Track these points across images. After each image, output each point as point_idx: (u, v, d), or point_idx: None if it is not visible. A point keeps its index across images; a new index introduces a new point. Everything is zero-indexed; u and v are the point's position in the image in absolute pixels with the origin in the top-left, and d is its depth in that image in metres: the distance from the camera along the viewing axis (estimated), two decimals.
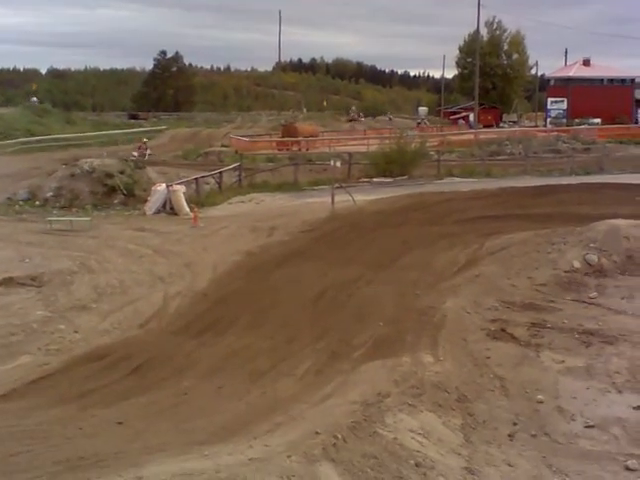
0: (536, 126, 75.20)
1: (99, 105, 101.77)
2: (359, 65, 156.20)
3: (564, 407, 10.28)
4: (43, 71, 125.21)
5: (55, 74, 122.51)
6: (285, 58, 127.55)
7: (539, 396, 10.60)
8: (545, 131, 63.43)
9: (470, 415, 9.95)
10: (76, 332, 14.30)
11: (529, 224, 22.05)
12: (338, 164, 29.05)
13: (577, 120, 69.90)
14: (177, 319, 15.11)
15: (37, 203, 30.04)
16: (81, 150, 46.40)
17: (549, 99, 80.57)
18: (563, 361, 12.01)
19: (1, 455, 8.15)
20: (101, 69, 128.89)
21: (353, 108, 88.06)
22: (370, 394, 10.14)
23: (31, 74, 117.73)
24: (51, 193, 30.48)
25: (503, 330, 13.46)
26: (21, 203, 30.16)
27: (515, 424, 9.76)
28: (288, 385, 11.42)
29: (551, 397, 10.62)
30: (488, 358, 12.10)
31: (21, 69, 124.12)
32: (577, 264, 17.34)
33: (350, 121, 78.82)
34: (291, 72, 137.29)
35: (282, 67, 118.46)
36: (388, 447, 8.54)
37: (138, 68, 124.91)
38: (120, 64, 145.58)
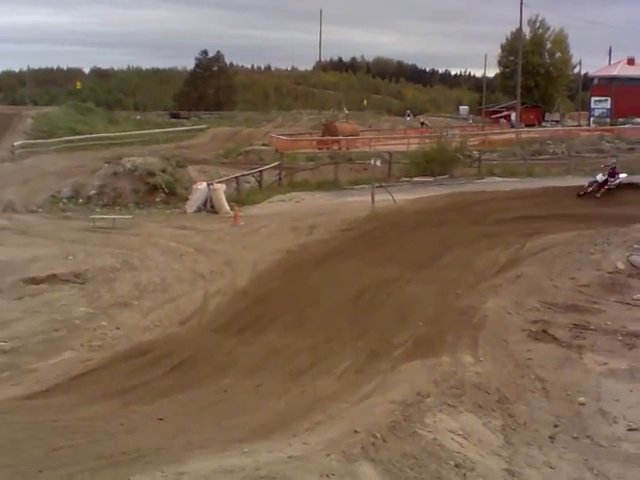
0: (579, 125, 74.28)
1: (141, 104, 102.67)
2: (399, 64, 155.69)
3: (606, 409, 10.16)
4: (86, 70, 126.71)
5: (98, 73, 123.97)
6: (325, 57, 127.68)
7: (581, 398, 10.49)
8: (588, 130, 62.68)
9: (511, 416, 9.89)
10: (118, 329, 14.47)
11: (572, 224, 21.81)
12: (378, 163, 28.95)
13: (621, 119, 68.96)
14: (218, 317, 15.20)
15: (80, 201, 30.45)
16: (123, 149, 46.88)
17: (592, 98, 79.64)
18: (606, 363, 11.88)
19: (44, 450, 8.25)
20: (143, 69, 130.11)
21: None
22: (410, 394, 10.11)
23: (75, 73, 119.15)
24: (94, 191, 30.88)
25: (545, 331, 13.34)
26: (65, 201, 30.59)
27: (556, 426, 9.67)
28: (327, 384, 11.43)
29: (593, 399, 10.50)
30: (529, 359, 12.00)
31: (65, 68, 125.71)
32: (621, 265, 17.13)
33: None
34: (331, 71, 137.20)
35: (322, 66, 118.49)
36: (428, 447, 8.51)
37: (180, 68, 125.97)
38: (162, 64, 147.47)
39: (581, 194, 26.26)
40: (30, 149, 46.42)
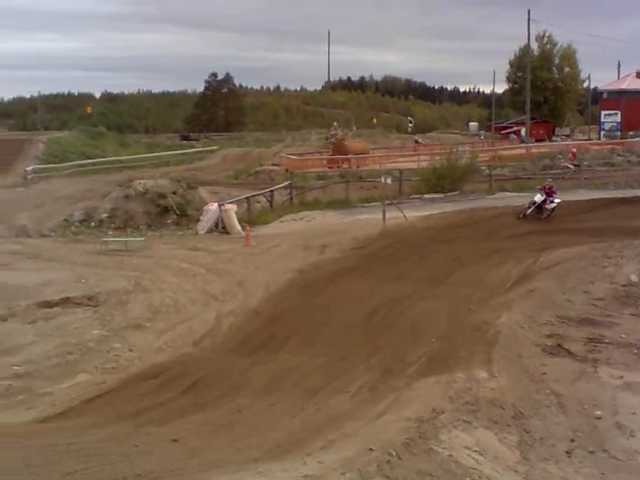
0: (589, 139, 74.19)
1: (152, 127, 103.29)
2: (408, 82, 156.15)
3: (623, 423, 10.08)
4: (97, 95, 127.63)
5: (109, 98, 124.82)
6: (334, 77, 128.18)
7: (597, 412, 10.40)
8: (599, 144, 62.58)
9: (526, 432, 9.81)
10: (131, 350, 14.49)
11: (584, 238, 21.74)
12: (389, 181, 29.03)
13: (631, 132, 68.83)
14: (230, 337, 15.21)
15: (92, 224, 30.60)
16: (135, 172, 47.15)
17: (602, 112, 79.53)
18: (622, 376, 11.78)
19: (59, 473, 8.24)
20: (154, 92, 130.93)
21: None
22: (424, 411, 10.05)
23: (86, 98, 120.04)
24: (106, 214, 31.04)
25: (559, 345, 13.26)
26: (77, 224, 30.75)
27: (573, 441, 9.59)
28: (342, 402, 11.38)
29: (609, 413, 10.41)
30: (544, 374, 11.92)
31: (76, 93, 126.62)
32: (634, 278, 17.04)
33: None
34: (340, 91, 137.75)
35: (331, 86, 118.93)
36: (443, 464, 8.45)
37: (190, 90, 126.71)
38: (172, 87, 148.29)
39: (520, 217, 25.22)
40: (42, 174, 46.77)
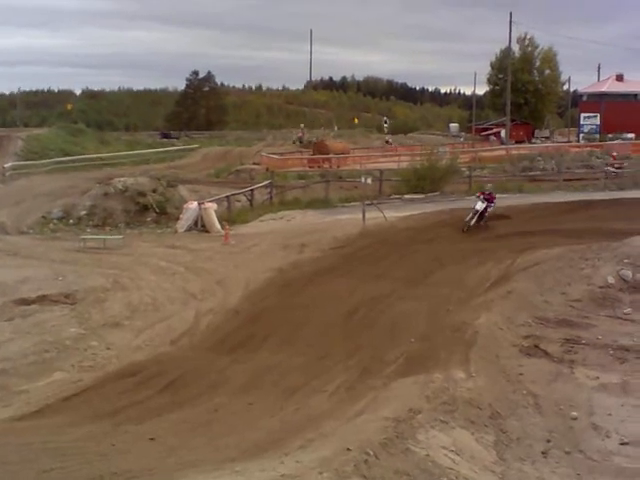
0: (569, 141, 74.62)
1: (132, 125, 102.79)
2: (390, 83, 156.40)
3: (599, 424, 10.16)
4: (78, 92, 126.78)
5: (89, 95, 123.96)
6: (316, 77, 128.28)
7: (573, 413, 10.49)
8: (578, 146, 62.96)
9: (503, 432, 9.88)
10: (109, 349, 14.42)
11: (562, 240, 21.86)
12: (369, 181, 28.99)
13: (610, 135, 69.32)
14: (209, 336, 15.17)
15: (71, 222, 30.41)
16: (115, 169, 46.92)
17: (582, 114, 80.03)
18: (598, 377, 11.89)
19: (35, 471, 8.20)
20: (134, 89, 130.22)
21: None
22: (402, 410, 10.09)
23: (66, 95, 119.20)
24: (85, 212, 30.85)
25: (536, 346, 13.36)
26: (55, 222, 30.54)
27: (549, 441, 9.66)
28: (320, 402, 11.40)
29: (585, 414, 10.50)
30: (521, 375, 12.01)
31: (56, 90, 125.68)
32: (611, 280, 17.15)
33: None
34: (322, 90, 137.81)
35: (313, 85, 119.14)
36: (420, 464, 8.49)
37: (171, 88, 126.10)
38: (153, 84, 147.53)
39: (465, 230, 23.85)
40: (21, 171, 46.41)
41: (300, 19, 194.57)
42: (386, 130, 79.56)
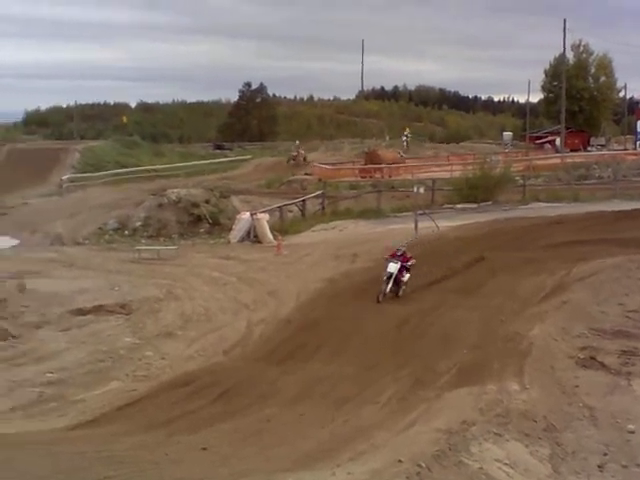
0: (625, 149, 73.36)
1: (186, 137, 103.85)
2: (442, 91, 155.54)
3: None
4: (133, 105, 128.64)
5: (144, 107, 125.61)
6: (367, 86, 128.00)
7: (630, 426, 10.25)
8: (635, 154, 61.86)
9: (558, 445, 9.69)
10: (163, 359, 14.56)
11: (619, 249, 21.47)
12: (421, 190, 28.90)
13: None
14: (261, 346, 15.23)
15: (126, 232, 30.90)
16: (168, 181, 47.49)
17: (638, 122, 78.61)
18: None
19: None
20: (188, 102, 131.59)
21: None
22: (455, 422, 9.98)
23: (121, 108, 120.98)
24: (139, 223, 31.32)
25: (592, 358, 13.10)
26: (111, 233, 31.07)
27: (605, 454, 9.46)
28: (371, 413, 11.34)
29: None
30: (577, 387, 11.78)
31: (112, 103, 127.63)
32: None
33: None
34: (374, 100, 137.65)
35: (365, 95, 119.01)
36: (473, 477, 8.39)
37: (224, 100, 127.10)
38: (206, 97, 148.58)
39: (380, 299, 18.00)
40: (77, 183, 47.38)
41: (350, 29, 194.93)
42: (405, 144, 72.60)
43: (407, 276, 18.76)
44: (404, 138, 74.32)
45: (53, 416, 11.80)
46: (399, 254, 18.84)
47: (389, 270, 18.31)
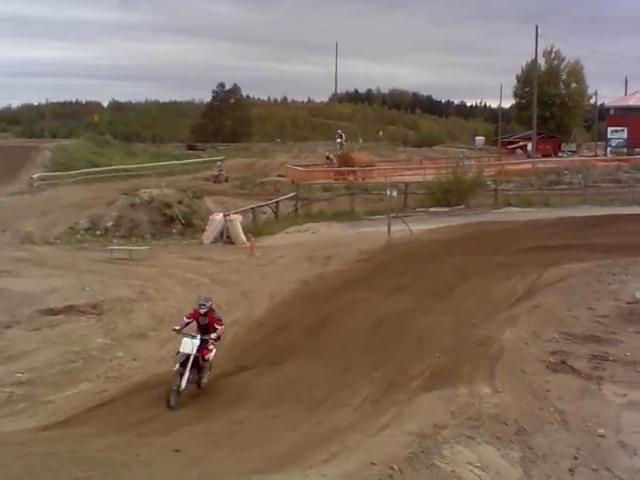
0: (596, 155, 74.13)
1: (159, 136, 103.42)
2: (415, 95, 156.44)
3: (626, 441, 10.02)
4: (105, 104, 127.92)
5: (116, 106, 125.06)
6: (341, 89, 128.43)
7: (600, 430, 10.34)
8: (605, 160, 62.52)
9: (529, 448, 9.76)
10: (134, 360, 14.48)
11: (589, 254, 21.70)
12: (394, 194, 29.01)
13: (637, 149, 68.76)
14: (234, 347, 15.18)
15: (98, 232, 30.63)
16: (141, 180, 47.20)
17: (609, 128, 79.44)
18: (625, 394, 11.73)
19: None
20: (161, 101, 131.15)
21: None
22: (427, 425, 10.02)
23: (93, 106, 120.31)
24: (111, 222, 31.06)
25: (563, 362, 13.21)
26: (82, 232, 30.78)
27: (576, 458, 9.54)
28: (344, 415, 11.35)
29: (613, 431, 10.36)
30: (548, 391, 11.88)
31: (83, 101, 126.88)
32: (639, 295, 16.98)
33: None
34: (347, 103, 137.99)
35: (338, 98, 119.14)
36: None
37: (197, 100, 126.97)
38: (180, 96, 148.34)
39: (173, 404, 11.97)
40: (48, 181, 46.85)
41: (325, 32, 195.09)
42: (338, 146, 66.58)
43: (214, 351, 13.09)
44: (338, 140, 68.15)
45: (23, 417, 11.71)
46: (203, 312, 13.11)
47: (184, 351, 12.53)
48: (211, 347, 12.96)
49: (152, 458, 9.51)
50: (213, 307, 13.43)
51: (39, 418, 11.58)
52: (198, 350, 12.60)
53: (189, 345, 12.56)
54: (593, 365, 13.06)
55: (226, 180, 50.91)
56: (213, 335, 12.90)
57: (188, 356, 12.46)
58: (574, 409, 11.14)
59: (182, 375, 12.31)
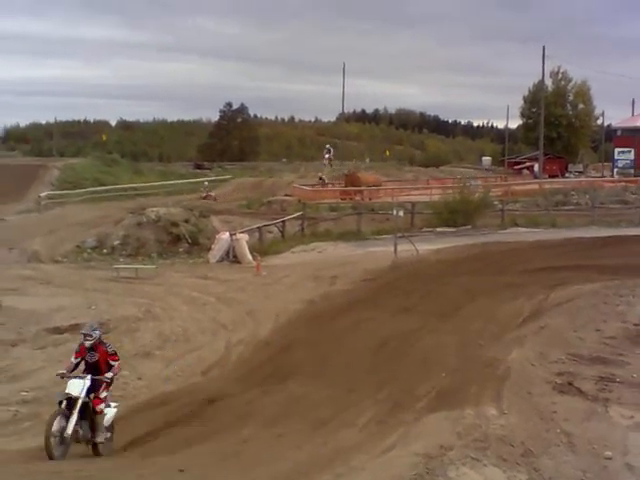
0: (603, 176, 74.14)
1: (166, 155, 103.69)
2: (422, 115, 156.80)
3: (633, 464, 9.94)
4: (113, 123, 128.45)
5: (124, 126, 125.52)
6: (348, 109, 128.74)
7: (607, 452, 10.27)
8: (612, 181, 62.51)
9: (536, 470, 9.69)
10: (140, 379, 14.47)
11: (596, 275, 21.64)
12: (401, 213, 29.01)
13: None
14: (239, 367, 15.17)
15: (104, 251, 30.73)
16: (148, 199, 47.37)
17: (616, 149, 79.43)
18: (632, 416, 11.65)
19: None
20: (169, 121, 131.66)
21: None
22: (433, 446, 9.95)
23: (101, 125, 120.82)
24: (118, 241, 31.17)
25: (570, 384, 13.14)
26: (89, 251, 30.88)
27: None
28: (349, 435, 11.30)
29: (620, 453, 10.28)
30: (554, 412, 11.80)
31: (91, 120, 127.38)
32: None
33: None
34: (354, 122, 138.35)
35: (345, 118, 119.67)
36: None
37: (204, 119, 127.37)
38: (187, 116, 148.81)
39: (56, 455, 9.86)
40: (56, 200, 47.11)
41: (332, 52, 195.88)
42: (326, 162, 63.03)
43: (113, 411, 10.83)
44: (326, 155, 64.60)
45: (28, 435, 11.68)
46: (89, 344, 10.74)
47: (69, 392, 10.25)
48: (104, 395, 10.46)
49: (156, 478, 9.48)
50: (103, 339, 11.19)
51: (44, 437, 11.53)
52: (88, 395, 10.21)
53: (77, 386, 10.17)
54: (600, 387, 12.98)
55: (214, 200, 50.71)
56: (108, 374, 10.55)
57: (70, 400, 10.09)
58: (580, 431, 11.06)
59: (68, 417, 9.92)
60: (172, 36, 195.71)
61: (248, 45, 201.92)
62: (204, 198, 51.52)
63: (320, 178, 58.44)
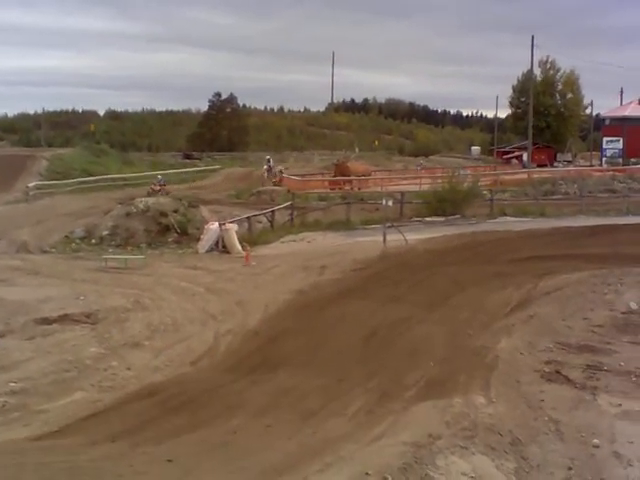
0: (591, 165, 74.39)
1: (155, 146, 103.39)
2: (411, 105, 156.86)
3: (621, 452, 10.01)
4: (101, 113, 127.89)
5: (113, 116, 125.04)
6: (338, 99, 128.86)
7: (595, 440, 10.34)
8: (600, 170, 62.73)
9: (524, 459, 9.75)
10: (129, 369, 14.41)
11: (584, 264, 21.73)
12: (390, 203, 29.03)
13: (633, 160, 69.02)
14: (228, 357, 15.13)
15: (93, 241, 30.64)
16: (137, 189, 47.19)
17: (604, 138, 79.77)
18: (620, 404, 11.73)
19: None
20: (157, 111, 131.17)
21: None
22: (421, 435, 10.00)
23: (89, 116, 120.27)
24: (107, 231, 31.09)
25: (558, 372, 13.21)
26: (77, 241, 30.79)
27: (570, 469, 9.52)
28: (338, 425, 11.31)
29: (607, 441, 10.35)
30: (542, 401, 11.87)
31: (80, 110, 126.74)
32: (634, 305, 17.03)
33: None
34: (343, 112, 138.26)
35: (335, 107, 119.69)
36: None
37: (193, 109, 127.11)
38: (176, 106, 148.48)
39: None
40: (44, 190, 46.94)
41: (322, 42, 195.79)
42: (266, 174, 56.23)
43: None
44: (265, 167, 57.81)
45: (16, 426, 11.61)
46: None
47: None
48: None
49: (145, 468, 9.46)
50: None
51: (32, 428, 11.50)
52: None
53: None
54: (588, 375, 13.07)
55: (167, 193, 48.31)
56: None
57: None
58: (568, 419, 11.13)
59: None
60: (161, 26, 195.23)
61: (239, 35, 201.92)
62: (157, 191, 47.53)
63: (280, 171, 56.26)
